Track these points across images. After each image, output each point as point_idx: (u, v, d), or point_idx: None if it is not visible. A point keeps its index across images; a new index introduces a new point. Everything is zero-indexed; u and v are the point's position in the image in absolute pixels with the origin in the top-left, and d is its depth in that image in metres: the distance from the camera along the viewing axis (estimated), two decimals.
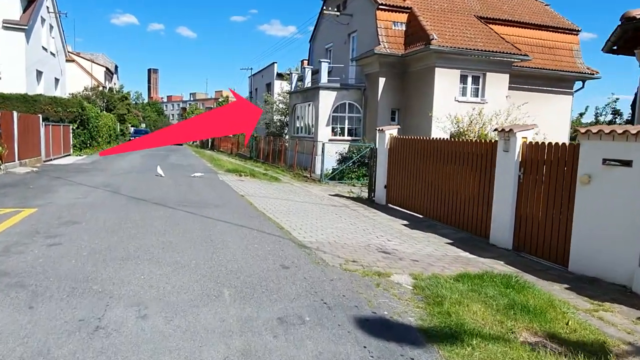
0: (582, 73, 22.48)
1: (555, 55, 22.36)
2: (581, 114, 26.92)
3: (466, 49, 18.47)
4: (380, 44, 19.94)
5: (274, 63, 37.88)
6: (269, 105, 35.03)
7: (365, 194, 14.66)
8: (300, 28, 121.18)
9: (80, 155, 22.52)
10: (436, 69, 18.65)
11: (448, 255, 7.55)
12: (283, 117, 33.47)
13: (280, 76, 36.24)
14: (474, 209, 9.12)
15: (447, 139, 10.14)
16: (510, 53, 19.09)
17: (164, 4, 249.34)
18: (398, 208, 12.11)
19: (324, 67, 22.04)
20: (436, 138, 10.51)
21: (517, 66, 20.08)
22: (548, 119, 20.21)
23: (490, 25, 20.94)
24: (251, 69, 46.31)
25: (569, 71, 22.17)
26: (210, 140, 52.44)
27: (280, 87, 34.50)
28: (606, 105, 22.81)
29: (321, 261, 5.88)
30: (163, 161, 23.53)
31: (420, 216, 11.10)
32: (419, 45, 18.98)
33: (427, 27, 19.15)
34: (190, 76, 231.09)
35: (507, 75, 19.72)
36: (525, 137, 8.02)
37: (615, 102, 22.23)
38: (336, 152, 19.28)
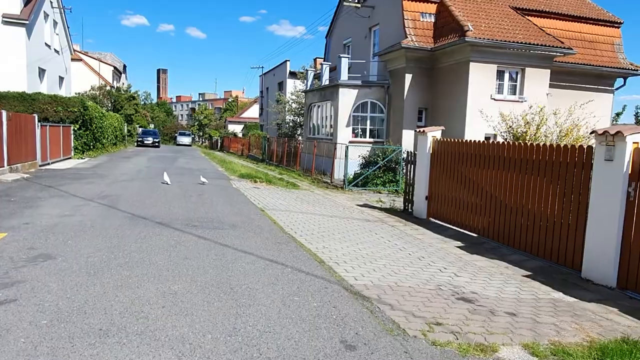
0: (625, 69, 20.35)
1: (595, 49, 20.27)
2: (618, 114, 24.77)
3: (504, 41, 16.46)
4: (407, 37, 17.98)
5: (286, 61, 36.00)
6: (281, 104, 33.18)
7: (397, 204, 12.72)
8: (309, 28, 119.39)
9: (82, 158, 20.76)
10: (471, 63, 16.66)
11: (541, 299, 5.65)
12: (296, 117, 31.60)
13: (293, 74, 34.35)
14: (553, 232, 7.16)
15: (511, 142, 8.19)
16: (552, 46, 17.05)
17: (174, 4, 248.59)
18: (443, 224, 10.18)
19: (344, 63, 20.11)
20: (497, 142, 8.56)
21: (556, 61, 18.03)
22: (586, 119, 18.12)
23: (527, 17, 18.90)
24: (262, 67, 44.50)
25: (610, 67, 20.06)
26: (220, 141, 50.74)
27: (293, 86, 32.63)
28: None
29: (395, 328, 3.96)
30: (171, 164, 21.73)
31: (474, 235, 9.16)
32: (452, 37, 16.99)
33: (461, 18, 17.15)
34: (199, 76, 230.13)
35: (548, 71, 17.67)
36: (637, 142, 6.06)
37: None
38: (359, 156, 17.34)
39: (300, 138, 30.35)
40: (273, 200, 11.80)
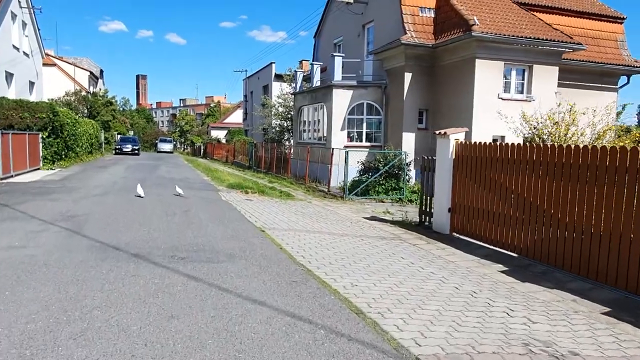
0: (630, 66, 19.30)
1: (599, 46, 19.17)
2: (618, 113, 23.74)
3: (512, 36, 15.13)
4: (406, 33, 16.53)
5: (271, 63, 34.32)
6: (267, 108, 31.45)
7: (409, 215, 11.18)
8: (290, 33, 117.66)
9: (52, 169, 18.69)
10: (477, 60, 15.28)
11: None
12: (283, 121, 29.90)
13: (279, 77, 32.66)
14: (630, 255, 5.69)
15: (565, 146, 6.72)
16: (561, 42, 15.81)
17: (153, 11, 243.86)
18: (471, 240, 8.66)
19: (338, 62, 18.57)
20: (546, 145, 7.08)
21: (563, 58, 16.81)
22: (590, 119, 16.90)
23: (530, 12, 17.66)
24: (245, 71, 42.82)
25: (615, 64, 18.98)
26: (203, 147, 48.67)
27: (279, 89, 30.92)
28: None
29: None
30: (151, 174, 19.82)
31: (513, 254, 7.67)
32: (456, 32, 15.60)
33: (464, 12, 15.78)
34: (179, 82, 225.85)
35: (557, 68, 16.43)
36: None
37: None
38: (357, 162, 15.78)
39: (287, 143, 28.70)
40: (271, 215, 10.12)
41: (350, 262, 6.35)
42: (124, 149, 37.90)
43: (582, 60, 18.15)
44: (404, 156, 14.97)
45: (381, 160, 15.21)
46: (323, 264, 6.04)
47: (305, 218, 10.23)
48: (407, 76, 17.05)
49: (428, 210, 10.05)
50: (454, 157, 9.11)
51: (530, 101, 15.96)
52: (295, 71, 23.34)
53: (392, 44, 16.81)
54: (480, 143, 8.50)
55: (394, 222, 10.61)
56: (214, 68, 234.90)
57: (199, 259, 5.75)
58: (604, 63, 18.74)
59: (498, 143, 8.02)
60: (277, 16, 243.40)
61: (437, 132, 9.42)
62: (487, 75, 15.44)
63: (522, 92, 16.23)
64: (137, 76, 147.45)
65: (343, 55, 18.91)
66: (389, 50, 17.22)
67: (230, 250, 6.35)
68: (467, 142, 8.83)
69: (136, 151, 38.59)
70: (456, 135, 9.17)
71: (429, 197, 10.05)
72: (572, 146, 6.51)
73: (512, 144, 7.77)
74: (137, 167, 23.48)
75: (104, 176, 17.38)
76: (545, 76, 16.18)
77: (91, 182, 15.00)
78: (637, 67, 19.40)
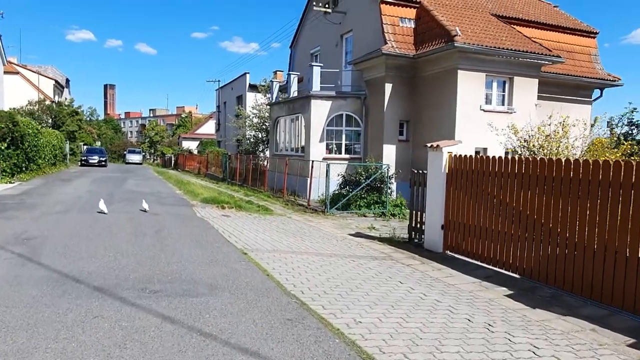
0: (603, 79, 19.49)
1: (574, 59, 19.28)
2: (591, 125, 24.04)
3: (494, 47, 14.92)
4: (387, 43, 16.12)
5: (245, 73, 33.53)
6: (241, 119, 30.58)
7: (395, 231, 10.58)
8: (262, 44, 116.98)
9: (10, 182, 17.29)
10: (459, 71, 14.98)
11: None
12: (258, 132, 29.10)
13: (253, 87, 31.89)
14: None
15: (582, 160, 6.27)
16: (541, 54, 15.71)
17: (122, 20, 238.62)
18: (467, 259, 8.13)
19: (316, 72, 18.00)
20: (549, 158, 6.62)
21: (541, 71, 16.74)
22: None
23: (509, 25, 17.59)
24: (219, 81, 41.66)
25: (589, 77, 19.12)
26: (174, 159, 47.16)
27: (254, 100, 30.14)
28: (622, 115, 19.83)
29: None
30: (119, 187, 18.65)
31: (515, 275, 7.16)
32: (437, 43, 15.28)
33: (446, 23, 15.50)
34: (150, 92, 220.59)
35: (537, 81, 16.33)
36: None
37: (633, 112, 19.15)
38: (338, 174, 15.15)
39: (262, 155, 27.90)
40: (251, 233, 9.33)
41: (347, 291, 5.65)
42: (91, 161, 36.23)
43: (559, 74, 18.17)
44: (386, 169, 14.45)
45: (363, 173, 14.65)
46: (317, 294, 5.32)
47: (288, 236, 9.48)
48: (388, 87, 16.62)
49: (418, 226, 9.47)
50: (446, 171, 8.60)
51: (511, 113, 15.76)
52: (271, 81, 22.68)
53: (372, 54, 16.37)
54: (476, 156, 8.00)
55: (381, 239, 9.99)
56: (185, 78, 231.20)
57: (175, 292, 4.94)
58: (580, 76, 18.85)
59: (499, 157, 7.53)
60: (249, 28, 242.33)
61: (429, 145, 8.89)
62: (470, 86, 15.16)
63: (503, 104, 16.03)
64: (105, 86, 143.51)
65: (322, 65, 18.37)
66: (369, 60, 16.77)
67: (211, 279, 5.55)
68: (462, 155, 8.33)
69: (103, 163, 36.95)
70: (449, 148, 8.66)
71: (419, 213, 9.49)
72: (581, 160, 6.05)
73: (513, 157, 7.29)
74: (104, 180, 22.19)
75: (68, 190, 16.16)
76: (526, 88, 16.05)
77: (53, 197, 13.82)
78: (609, 80, 19.61)
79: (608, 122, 19.44)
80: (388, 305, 5.22)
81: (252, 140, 29.82)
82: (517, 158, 7.19)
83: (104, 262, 6.15)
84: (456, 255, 8.44)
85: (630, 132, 21.51)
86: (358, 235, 10.52)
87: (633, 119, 22.02)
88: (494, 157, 7.66)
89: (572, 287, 6.21)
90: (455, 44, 14.32)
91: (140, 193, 16.16)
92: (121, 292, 4.82)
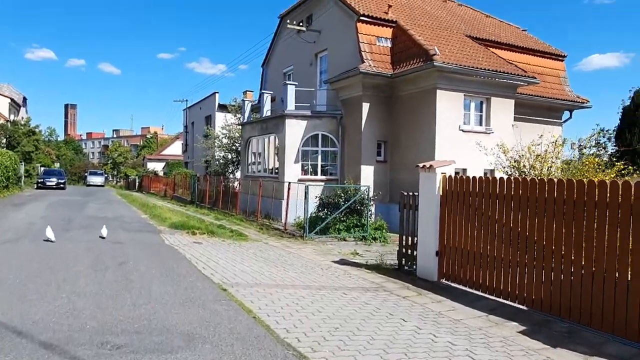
0: (573, 101, 19.75)
1: (545, 82, 19.43)
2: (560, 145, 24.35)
3: (472, 67, 14.72)
4: (364, 62, 15.70)
5: (215, 93, 32.61)
6: (210, 140, 29.52)
7: (383, 257, 9.83)
8: (230, 66, 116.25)
9: None
10: (438, 91, 14.66)
11: None
12: (228, 153, 28.08)
13: (223, 107, 30.98)
14: None
15: (607, 181, 5.76)
16: (518, 75, 15.66)
17: (85, 39, 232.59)
18: (465, 288, 7.47)
19: (291, 91, 17.36)
20: (559, 179, 6.11)
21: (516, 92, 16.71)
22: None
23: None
24: (186, 101, 40.49)
25: (560, 99, 19.33)
26: (138, 180, 45.20)
27: (223, 120, 29.18)
28: (590, 137, 20.11)
29: None
30: (79, 211, 17.22)
31: (522, 307, 6.53)
32: (415, 62, 14.97)
33: (423, 42, 15.24)
34: (113, 112, 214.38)
35: (513, 101, 16.25)
36: None
37: (600, 133, 19.44)
38: (315, 197, 14.38)
39: (232, 176, 26.86)
40: (228, 263, 8.39)
41: (349, 335, 4.83)
42: (48, 183, 34.11)
43: (532, 95, 18.22)
44: (366, 191, 13.80)
45: (342, 195, 13.92)
46: (316, 342, 4.47)
47: (269, 266, 8.59)
48: (365, 106, 16.13)
49: (409, 252, 8.78)
50: (440, 193, 7.99)
51: (489, 133, 15.54)
52: (243, 100, 21.89)
53: (349, 73, 15.90)
54: (474, 177, 7.42)
55: (369, 267, 9.23)
56: (150, 99, 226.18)
57: (144, 347, 3.97)
58: (551, 98, 19.00)
59: (502, 178, 6.96)
60: (216, 49, 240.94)
61: (421, 165, 8.28)
62: (448, 106, 14.85)
63: (481, 124, 15.80)
64: (66, 105, 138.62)
65: (296, 84, 17.75)
66: (346, 79, 16.29)
67: (188, 325, 4.60)
68: (458, 176, 7.74)
69: (62, 185, 34.86)
70: (443, 169, 8.07)
71: (409, 238, 8.81)
72: (608, 182, 5.54)
73: (517, 178, 6.75)
74: (61, 204, 20.59)
75: (19, 216, 14.67)
76: (503, 109, 15.91)
77: (1, 224, 12.39)
78: (579, 102, 19.89)
79: (580, 143, 19.65)
80: (400, 352, 4.43)
81: (221, 161, 28.76)
82: (521, 179, 6.65)
83: (55, 306, 5.10)
84: (453, 284, 7.77)
85: (598, 152, 21.78)
86: (343, 262, 9.73)
87: (600, 140, 22.47)
88: (494, 178, 7.10)
89: (591, 321, 5.61)
90: (434, 63, 14.01)
91: (102, 218, 14.85)
92: (75, 350, 3.82)
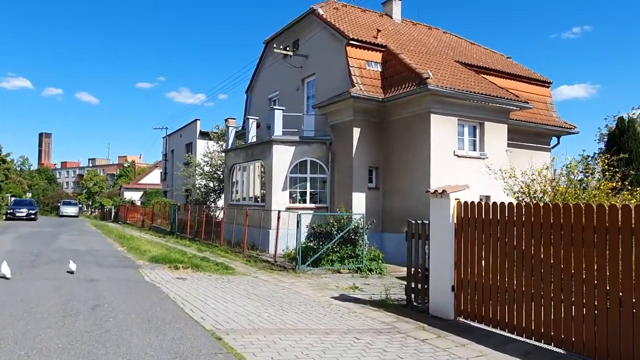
0: (560, 127, 19.59)
1: (533, 108, 19.27)
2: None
3: (466, 91, 14.31)
4: (354, 86, 15.15)
5: (196, 120, 31.70)
6: (191, 168, 28.41)
7: (387, 291, 8.93)
8: (210, 95, 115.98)
9: None
10: (432, 115, 14.15)
11: None
12: (210, 181, 26.99)
13: (204, 135, 30.00)
14: None
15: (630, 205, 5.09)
16: (510, 99, 15.34)
17: (62, 69, 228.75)
18: (487, 328, 6.64)
19: (278, 116, 16.64)
20: (600, 204, 5.42)
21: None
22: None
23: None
24: (166, 128, 39.39)
25: (549, 125, 19.14)
26: (114, 210, 43.33)
27: (204, 147, 28.18)
28: (578, 162, 19.92)
29: None
30: (49, 244, 15.84)
31: (560, 351, 5.73)
32: (408, 86, 14.49)
33: (415, 66, 14.83)
34: (89, 141, 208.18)
35: (506, 126, 15.88)
36: None
37: (587, 159, 19.29)
38: (307, 226, 13.46)
39: (213, 205, 25.71)
40: (218, 303, 7.36)
41: None
42: (18, 214, 32.25)
43: (522, 120, 17.96)
44: (361, 219, 12.97)
45: (335, 224, 13.03)
46: None
47: (265, 305, 7.59)
48: (356, 131, 15.49)
49: (419, 287, 7.93)
50: (454, 221, 7.23)
51: (484, 158, 15.04)
52: (227, 126, 21.02)
53: (340, 97, 15.31)
54: (495, 203, 6.70)
55: (374, 303, 8.32)
56: (128, 128, 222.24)
57: None
58: (541, 123, 18.79)
59: (528, 203, 6.25)
60: (196, 79, 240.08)
61: (432, 190, 7.54)
62: (443, 130, 14.34)
63: (474, 149, 15.31)
64: (41, 134, 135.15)
65: (284, 108, 17.06)
66: (335, 103, 15.69)
67: None
68: (477, 203, 7.01)
69: (32, 216, 32.99)
70: (456, 194, 7.34)
71: (419, 271, 7.97)
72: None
73: (547, 204, 6.04)
74: (31, 236, 19.09)
75: None
76: (496, 134, 15.50)
77: None
78: (566, 128, 19.75)
79: (568, 169, 19.39)
80: None
81: (202, 189, 27.61)
82: (552, 205, 5.95)
83: None
84: (472, 323, 6.93)
85: (585, 178, 21.57)
86: (344, 298, 8.79)
87: (588, 165, 22.35)
88: (519, 204, 6.39)
89: None
90: (428, 86, 13.53)
91: (74, 252, 13.57)
92: None
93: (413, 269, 8.09)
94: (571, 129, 19.86)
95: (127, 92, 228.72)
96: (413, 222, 8.18)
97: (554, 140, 20.16)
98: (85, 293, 7.49)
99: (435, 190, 7.46)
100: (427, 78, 13.82)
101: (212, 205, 25.81)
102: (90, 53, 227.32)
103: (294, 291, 9.30)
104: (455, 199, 7.29)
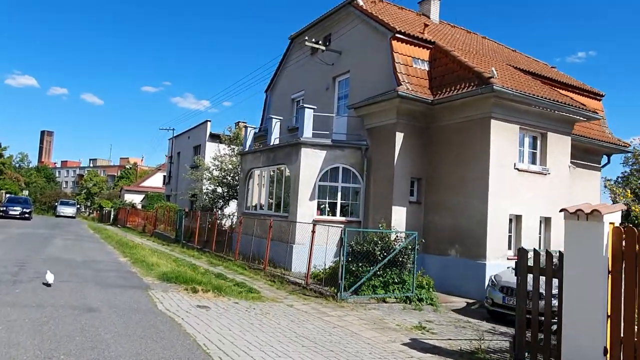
0: (615, 144, 17.47)
1: (585, 122, 17.20)
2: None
3: (532, 95, 12.20)
4: (401, 84, 13.03)
5: (207, 121, 29.53)
6: (200, 171, 26.19)
7: (453, 328, 6.67)
8: (213, 102, 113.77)
9: None
10: (492, 120, 12.02)
11: None
12: (218, 186, 24.75)
13: (215, 137, 27.84)
14: None
15: None
16: (577, 108, 13.25)
17: (69, 69, 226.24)
18: None
19: (308, 116, 14.48)
20: None
21: None
22: (576, 200, 13.70)
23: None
24: (173, 129, 37.15)
25: (602, 140, 17.01)
26: (114, 213, 40.84)
27: (215, 150, 25.98)
28: (625, 185, 17.87)
29: None
30: (40, 250, 13.51)
31: None
32: (466, 87, 12.37)
33: (472, 64, 12.73)
34: (92, 141, 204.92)
35: (570, 138, 13.77)
36: None
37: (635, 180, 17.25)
38: (347, 244, 11.17)
39: (220, 212, 23.46)
40: (265, 353, 5.10)
41: None
42: (11, 212, 29.85)
43: (576, 134, 15.82)
44: (414, 239, 10.75)
45: (378, 242, 10.80)
46: None
47: (323, 356, 5.32)
48: (399, 136, 13.32)
49: (542, 344, 5.67)
50: (609, 254, 5.02)
51: (545, 174, 12.92)
52: (245, 127, 18.85)
53: (383, 96, 13.16)
54: None
55: (464, 356, 6.06)
56: (132, 130, 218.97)
57: None
58: (594, 139, 16.67)
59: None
60: (201, 85, 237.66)
61: (572, 210, 5.32)
62: (504, 139, 12.20)
63: (535, 163, 13.14)
64: (42, 132, 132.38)
65: (315, 107, 14.89)
66: (378, 103, 13.52)
67: None
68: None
69: (27, 215, 30.59)
70: (611, 217, 5.13)
71: (541, 321, 5.73)
72: None
73: None
74: (20, 239, 16.74)
75: None
76: (559, 146, 13.36)
77: None
78: (621, 145, 17.67)
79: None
80: None
81: (210, 195, 25.35)
82: None
83: None
84: None
85: (634, 200, 19.46)
86: (421, 347, 6.54)
87: (636, 188, 20.26)
88: None
89: None
90: (493, 87, 11.39)
91: (68, 262, 11.24)
92: None
93: (531, 318, 5.83)
94: (626, 147, 17.79)
95: (132, 95, 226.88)
96: (529, 250, 5.96)
97: (604, 158, 18.09)
98: (78, 336, 5.18)
99: (578, 210, 5.25)
100: (491, 77, 11.70)
101: (219, 212, 23.58)
102: (98, 55, 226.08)
103: (351, 332, 7.03)
104: (610, 222, 5.09)
